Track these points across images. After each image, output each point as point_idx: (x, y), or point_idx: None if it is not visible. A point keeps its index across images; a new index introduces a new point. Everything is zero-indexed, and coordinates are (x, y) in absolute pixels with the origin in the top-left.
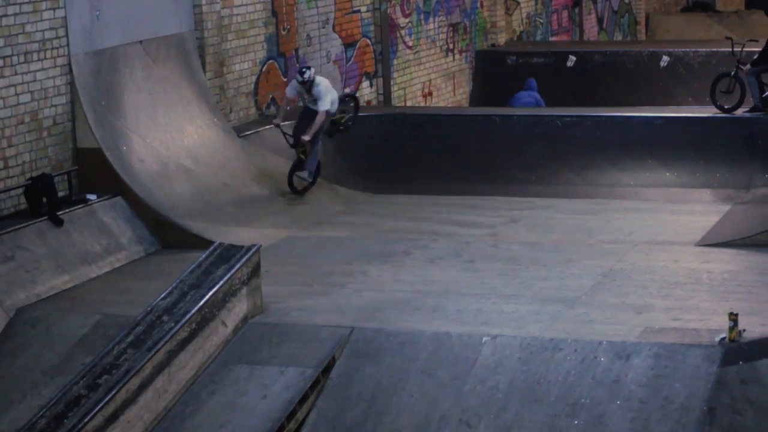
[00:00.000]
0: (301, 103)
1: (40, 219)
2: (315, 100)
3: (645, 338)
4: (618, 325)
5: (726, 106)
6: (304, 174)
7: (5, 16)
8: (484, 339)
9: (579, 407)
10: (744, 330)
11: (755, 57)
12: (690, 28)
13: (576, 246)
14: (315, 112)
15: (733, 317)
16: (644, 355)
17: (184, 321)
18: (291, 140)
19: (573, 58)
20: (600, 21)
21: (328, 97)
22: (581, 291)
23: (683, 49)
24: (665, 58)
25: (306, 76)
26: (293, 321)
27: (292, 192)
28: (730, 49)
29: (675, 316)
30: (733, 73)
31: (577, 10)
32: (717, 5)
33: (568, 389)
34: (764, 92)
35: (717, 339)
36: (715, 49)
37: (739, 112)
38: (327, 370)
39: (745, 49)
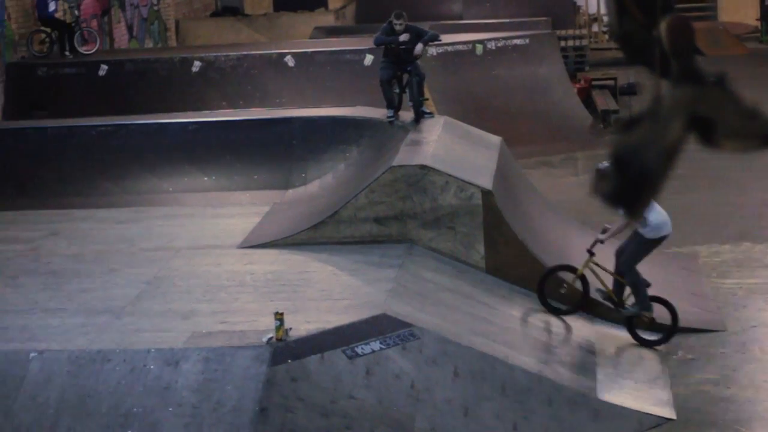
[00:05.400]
0: None
1: None
2: None
3: (193, 343)
4: (165, 332)
5: None
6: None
7: None
8: (32, 355)
9: (131, 417)
10: (290, 328)
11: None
12: (220, 33)
13: (118, 255)
14: None
15: (279, 316)
16: (193, 360)
17: None
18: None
19: (105, 67)
20: (130, 29)
21: None
22: (126, 300)
23: (214, 54)
24: (197, 64)
25: None
26: None
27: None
28: (265, 52)
29: (221, 319)
30: None
31: (106, 18)
32: (246, 9)
33: (119, 400)
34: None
35: (264, 339)
36: (245, 53)
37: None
38: None
39: None
